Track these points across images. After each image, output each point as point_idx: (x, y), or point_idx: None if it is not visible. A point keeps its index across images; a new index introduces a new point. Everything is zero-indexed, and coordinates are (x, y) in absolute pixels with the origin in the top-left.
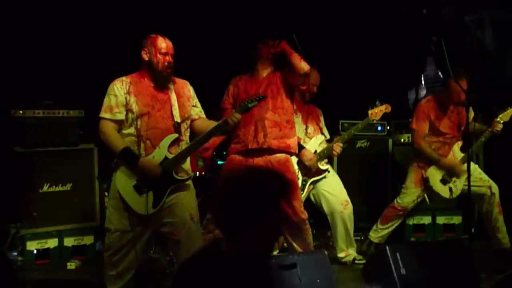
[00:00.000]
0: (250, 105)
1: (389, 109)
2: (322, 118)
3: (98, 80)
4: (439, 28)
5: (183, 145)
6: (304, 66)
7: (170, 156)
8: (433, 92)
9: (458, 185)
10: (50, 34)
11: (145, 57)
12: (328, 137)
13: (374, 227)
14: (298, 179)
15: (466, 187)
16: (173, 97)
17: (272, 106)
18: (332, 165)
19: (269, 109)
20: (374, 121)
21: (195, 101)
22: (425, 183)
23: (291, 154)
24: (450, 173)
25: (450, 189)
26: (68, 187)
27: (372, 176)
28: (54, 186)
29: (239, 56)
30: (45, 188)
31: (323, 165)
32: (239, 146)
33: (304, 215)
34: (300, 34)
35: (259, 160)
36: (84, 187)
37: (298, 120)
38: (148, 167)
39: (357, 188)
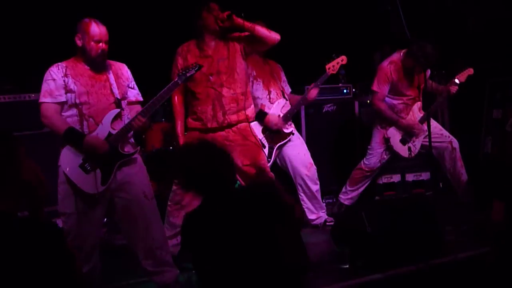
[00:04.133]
0: (188, 75)
1: (345, 60)
2: (282, 74)
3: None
4: None
5: (126, 120)
6: (275, 36)
7: (113, 131)
8: (395, 53)
9: (417, 144)
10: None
11: (79, 42)
12: (289, 91)
13: (344, 189)
14: (264, 147)
15: (425, 145)
16: (111, 77)
17: (226, 82)
18: (300, 131)
19: (224, 85)
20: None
21: (133, 83)
22: (386, 143)
23: (249, 122)
24: (409, 133)
25: (409, 148)
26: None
27: (340, 139)
28: None
29: (180, 23)
30: None
31: (287, 128)
32: (198, 123)
33: (271, 175)
34: None
35: (220, 133)
36: (56, 172)
37: (259, 86)
38: (95, 144)
39: (326, 151)
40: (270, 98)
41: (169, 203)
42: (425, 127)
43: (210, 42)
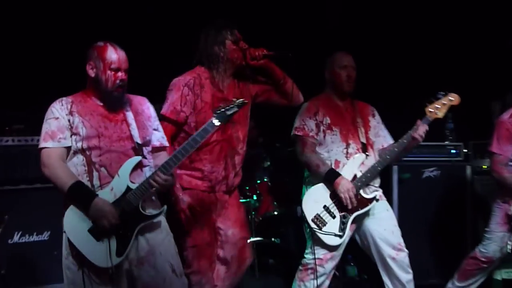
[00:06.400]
0: (228, 113)
1: (457, 100)
2: (374, 120)
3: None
4: None
5: (148, 171)
6: (300, 98)
7: (133, 186)
8: None
9: None
10: (19, 46)
11: (91, 72)
12: (389, 142)
13: (450, 284)
14: (334, 217)
15: None
16: (130, 115)
17: (242, 136)
18: (390, 201)
19: (241, 140)
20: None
21: (157, 123)
22: (509, 222)
23: None
24: None
25: None
26: (45, 236)
27: (446, 215)
28: (27, 236)
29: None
30: (16, 238)
31: (367, 193)
32: (200, 183)
33: (249, 260)
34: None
35: (224, 196)
36: None
37: (336, 138)
38: (103, 212)
39: (425, 231)
40: (347, 152)
41: None
42: None
43: (225, 79)
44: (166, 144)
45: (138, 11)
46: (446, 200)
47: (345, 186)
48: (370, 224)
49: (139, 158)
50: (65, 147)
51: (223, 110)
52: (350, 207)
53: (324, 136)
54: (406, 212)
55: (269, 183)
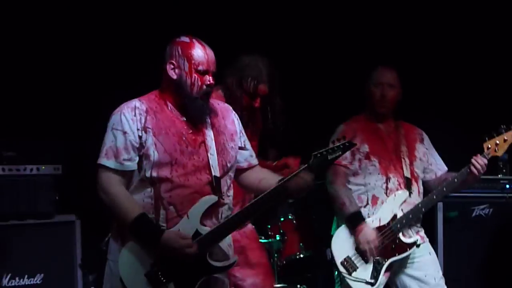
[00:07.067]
0: (330, 157)
1: None
2: (422, 146)
3: (81, 121)
4: None
5: (225, 212)
6: None
7: (204, 230)
8: None
9: None
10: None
11: (173, 74)
12: (441, 171)
13: None
14: (367, 261)
15: None
16: (210, 135)
17: None
18: (434, 243)
19: None
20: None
21: (243, 139)
22: None
23: None
24: None
25: None
26: (38, 279)
27: (498, 261)
28: (17, 278)
29: None
30: (5, 281)
31: (408, 237)
32: None
33: None
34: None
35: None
36: (62, 279)
37: (374, 168)
38: (178, 243)
39: (474, 279)
40: (387, 188)
41: None
42: None
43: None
44: (255, 163)
45: None
46: (499, 243)
47: (366, 236)
48: (409, 270)
49: (215, 198)
50: (129, 171)
51: (324, 153)
52: (370, 260)
53: (360, 166)
54: (453, 256)
55: (294, 221)
